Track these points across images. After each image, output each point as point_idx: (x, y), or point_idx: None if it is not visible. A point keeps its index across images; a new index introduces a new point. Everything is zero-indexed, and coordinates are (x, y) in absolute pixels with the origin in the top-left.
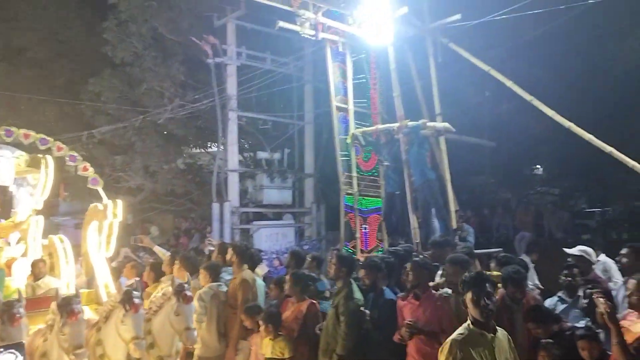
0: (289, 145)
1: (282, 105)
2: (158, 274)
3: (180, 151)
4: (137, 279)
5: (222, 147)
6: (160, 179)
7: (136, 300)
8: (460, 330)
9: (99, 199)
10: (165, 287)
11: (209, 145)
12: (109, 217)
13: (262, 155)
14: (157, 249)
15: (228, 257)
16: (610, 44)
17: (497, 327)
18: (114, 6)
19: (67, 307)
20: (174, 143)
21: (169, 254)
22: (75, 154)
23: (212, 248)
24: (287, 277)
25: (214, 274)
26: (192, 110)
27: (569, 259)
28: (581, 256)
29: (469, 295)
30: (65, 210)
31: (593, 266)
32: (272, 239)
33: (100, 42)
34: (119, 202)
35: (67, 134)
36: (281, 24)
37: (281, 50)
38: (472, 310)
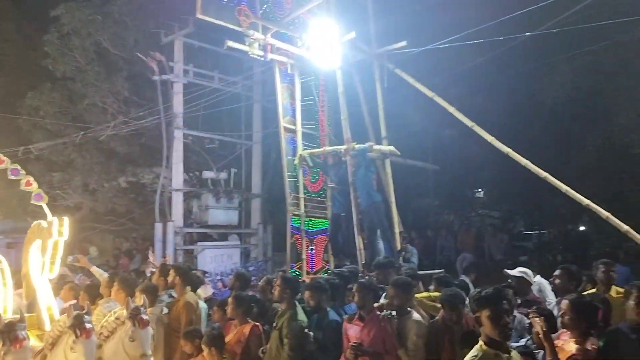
0: (236, 165)
1: (230, 124)
2: (93, 296)
3: (122, 169)
4: (74, 301)
5: (166, 166)
6: (100, 197)
7: (88, 325)
8: (473, 352)
9: (34, 216)
10: (119, 310)
11: (153, 163)
12: (54, 235)
13: (208, 174)
14: (95, 270)
15: (170, 279)
16: (545, 75)
17: (510, 348)
18: (57, 19)
19: (11, 333)
20: (116, 160)
21: (106, 275)
22: (18, 167)
23: (153, 269)
24: (230, 299)
25: (152, 297)
26: (136, 127)
27: (509, 280)
28: (521, 277)
29: (485, 313)
30: None
31: (531, 287)
32: (217, 260)
33: (41, 55)
34: (66, 220)
35: (1, 149)
36: (230, 43)
37: (229, 69)
38: (488, 329)
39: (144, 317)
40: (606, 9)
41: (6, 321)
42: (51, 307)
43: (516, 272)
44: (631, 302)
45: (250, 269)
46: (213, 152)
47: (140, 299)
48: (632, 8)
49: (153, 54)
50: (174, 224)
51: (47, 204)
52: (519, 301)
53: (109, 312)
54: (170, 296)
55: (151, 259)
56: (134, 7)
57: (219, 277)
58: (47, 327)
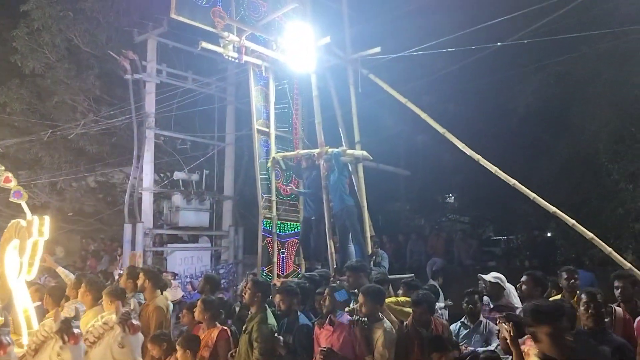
0: (208, 167)
1: (202, 125)
2: (57, 298)
3: (91, 168)
4: (39, 302)
5: (137, 166)
6: (68, 196)
7: (76, 331)
8: None
9: (10, 213)
10: (106, 315)
11: (123, 163)
12: (34, 234)
13: (180, 175)
14: (61, 271)
15: (140, 282)
16: (515, 84)
17: None
18: (26, 14)
19: None
20: (85, 160)
21: (72, 276)
22: None
23: (120, 272)
24: (198, 303)
25: (120, 299)
26: (107, 126)
27: (481, 283)
28: (496, 282)
29: (544, 330)
30: None
31: (505, 292)
32: (187, 262)
33: (9, 50)
34: (46, 219)
35: None
36: (204, 44)
37: (203, 70)
38: (547, 347)
39: (135, 322)
40: (575, 21)
41: None
42: (28, 311)
43: (490, 277)
44: (581, 308)
45: (221, 271)
46: (185, 152)
47: (108, 303)
48: (599, 21)
49: (125, 53)
50: (143, 225)
51: (13, 203)
52: (490, 306)
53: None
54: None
55: (138, 262)
56: (107, 5)
57: (188, 280)
58: (24, 331)
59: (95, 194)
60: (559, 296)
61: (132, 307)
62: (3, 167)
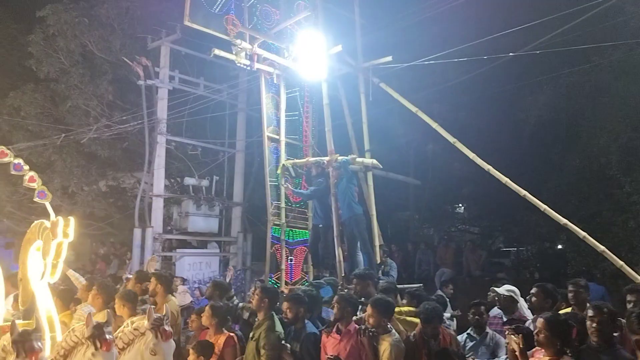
0: (218, 173)
1: (213, 131)
2: (66, 301)
3: (103, 173)
4: None
5: (147, 171)
6: (79, 200)
7: (108, 337)
8: None
9: (22, 215)
10: (137, 320)
11: (134, 168)
12: (58, 236)
13: (190, 181)
14: (71, 274)
15: (152, 286)
16: (527, 95)
17: None
18: (42, 19)
19: (26, 343)
20: (97, 164)
21: (82, 279)
22: (22, 162)
23: (128, 276)
24: (206, 309)
25: (132, 305)
26: (119, 131)
27: (493, 295)
28: (509, 296)
29: None
30: None
31: (519, 304)
32: (196, 267)
33: (25, 55)
34: (72, 220)
35: None
36: (216, 51)
37: (215, 76)
38: None
39: (168, 328)
40: (587, 33)
41: (21, 330)
42: (51, 315)
43: (504, 290)
44: (588, 322)
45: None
46: (195, 159)
47: (120, 307)
48: (611, 33)
49: (139, 59)
50: (153, 230)
51: (25, 206)
52: (503, 319)
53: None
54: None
55: (152, 266)
56: (122, 11)
57: (196, 285)
58: (47, 335)
59: (106, 198)
60: (569, 309)
61: (164, 313)
62: (27, 167)
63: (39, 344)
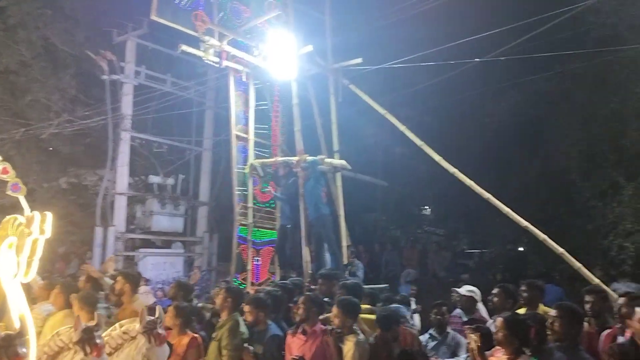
0: (184, 171)
1: (180, 129)
2: None
3: (64, 169)
4: None
5: (111, 168)
6: (38, 197)
7: (99, 341)
8: None
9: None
10: (126, 323)
11: (97, 165)
12: (34, 232)
13: (155, 179)
14: None
15: (119, 286)
16: (492, 101)
17: None
18: (2, 10)
19: (9, 348)
20: (58, 160)
21: (39, 278)
22: None
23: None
24: (170, 309)
25: (91, 307)
26: (82, 127)
27: (455, 296)
28: (470, 296)
29: None
30: None
31: (477, 306)
32: (159, 267)
33: None
34: (49, 215)
35: None
36: (184, 47)
37: (183, 73)
38: None
39: (161, 332)
40: (550, 41)
41: (3, 334)
42: (24, 316)
43: (464, 290)
44: (550, 322)
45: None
46: (161, 156)
47: (77, 308)
48: (572, 42)
49: (103, 53)
50: (115, 229)
51: None
52: (463, 319)
53: (45, 315)
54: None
55: (110, 266)
56: (86, 4)
57: (160, 286)
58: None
59: (66, 196)
60: (523, 309)
61: (157, 315)
62: (1, 157)
63: (24, 349)
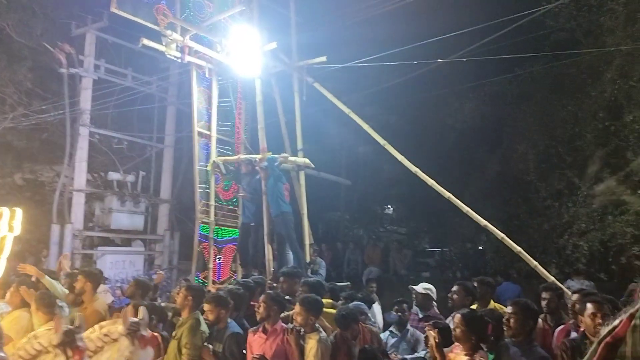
0: (145, 168)
1: (141, 125)
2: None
3: (19, 165)
4: None
5: (68, 164)
6: None
7: (80, 344)
8: None
9: None
10: (107, 325)
11: (54, 161)
12: (1, 229)
13: (114, 176)
14: None
15: (80, 285)
16: (454, 101)
17: None
18: None
19: None
20: (13, 155)
21: None
22: None
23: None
24: (128, 307)
25: (49, 309)
26: (38, 121)
27: (414, 295)
28: (426, 293)
29: None
30: None
31: (433, 303)
32: (119, 266)
33: None
34: (19, 212)
35: None
36: (145, 42)
37: (144, 68)
38: None
39: (145, 333)
40: (510, 44)
41: None
42: None
43: (421, 288)
44: (505, 318)
45: (154, 276)
46: (121, 152)
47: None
48: (532, 45)
49: (61, 45)
50: (73, 226)
51: None
52: (420, 316)
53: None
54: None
55: (65, 264)
56: None
57: (118, 284)
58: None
59: (21, 192)
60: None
61: (141, 316)
62: None
63: (2, 354)
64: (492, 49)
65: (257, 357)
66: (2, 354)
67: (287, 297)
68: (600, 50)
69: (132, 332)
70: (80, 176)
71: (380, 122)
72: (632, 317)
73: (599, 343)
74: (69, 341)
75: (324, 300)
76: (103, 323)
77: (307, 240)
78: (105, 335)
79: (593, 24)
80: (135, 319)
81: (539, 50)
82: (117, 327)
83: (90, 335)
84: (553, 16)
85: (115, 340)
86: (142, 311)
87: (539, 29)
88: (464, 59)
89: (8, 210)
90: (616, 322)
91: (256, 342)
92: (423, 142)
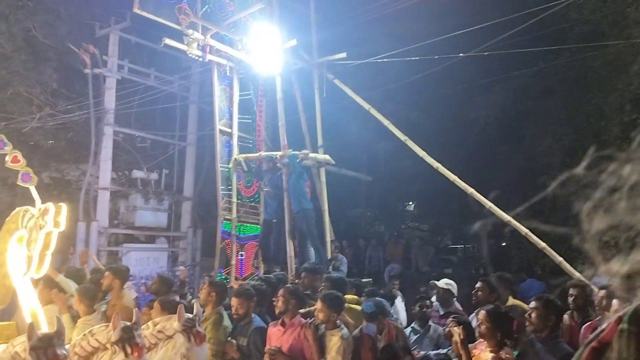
0: (168, 166)
1: (164, 124)
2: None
3: (46, 164)
4: None
5: (93, 163)
6: (19, 192)
7: (139, 341)
8: None
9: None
10: (161, 321)
11: (79, 160)
12: (48, 225)
13: (138, 174)
14: None
15: (107, 281)
16: (477, 96)
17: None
18: None
19: (48, 349)
20: (40, 155)
21: None
22: (4, 138)
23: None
24: (155, 304)
25: (90, 302)
26: (63, 121)
27: (435, 290)
28: (448, 289)
29: None
30: None
31: (454, 299)
32: (143, 262)
33: None
34: (63, 207)
35: None
36: (167, 41)
37: (166, 67)
38: None
39: (201, 330)
40: (534, 37)
41: (40, 334)
42: (36, 314)
43: (443, 283)
44: (529, 314)
45: (177, 273)
46: (144, 151)
47: (77, 302)
48: (556, 39)
49: (86, 46)
50: (98, 224)
51: None
52: (441, 312)
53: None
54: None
55: (93, 259)
56: None
57: (143, 281)
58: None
59: (49, 190)
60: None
61: (195, 312)
62: (11, 146)
63: (64, 350)
64: (515, 43)
65: (272, 349)
66: (64, 351)
67: (307, 292)
68: (626, 42)
69: (188, 328)
70: (105, 174)
71: (401, 118)
72: (620, 320)
73: (585, 346)
74: (127, 337)
75: (348, 296)
76: (156, 319)
77: (328, 236)
78: (160, 331)
79: (618, 15)
80: (191, 316)
81: (563, 43)
82: (172, 323)
83: (146, 332)
84: (577, 8)
85: (169, 337)
86: (196, 307)
87: (563, 22)
88: (486, 53)
89: (53, 206)
90: (604, 325)
91: (274, 334)
92: (444, 137)
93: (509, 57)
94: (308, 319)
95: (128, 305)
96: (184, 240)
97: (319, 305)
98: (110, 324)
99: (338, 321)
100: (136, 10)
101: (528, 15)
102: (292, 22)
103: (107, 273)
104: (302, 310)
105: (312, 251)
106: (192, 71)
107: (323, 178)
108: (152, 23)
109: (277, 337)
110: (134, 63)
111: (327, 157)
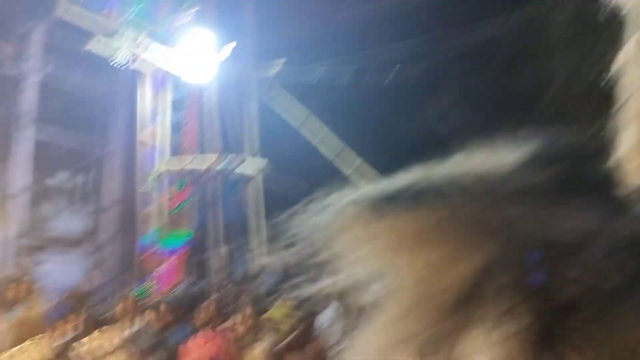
0: (91, 172)
1: (88, 127)
2: None
3: None
4: None
5: (10, 167)
6: None
7: None
8: None
9: None
10: None
11: None
12: None
13: (57, 180)
14: None
15: (16, 292)
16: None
17: None
18: None
19: None
20: None
21: None
22: None
23: None
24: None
25: None
26: None
27: None
28: None
29: None
30: None
31: None
32: (59, 273)
33: None
34: None
35: None
36: (92, 46)
37: (93, 69)
38: None
39: None
40: None
41: None
42: None
43: None
44: None
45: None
46: (66, 155)
47: None
48: None
49: (5, 44)
50: (12, 232)
51: None
52: None
53: None
54: None
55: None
56: None
57: (58, 292)
58: None
59: None
60: None
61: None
62: None
63: None
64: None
65: None
66: None
67: (231, 304)
68: None
69: None
70: (22, 179)
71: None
72: None
73: None
74: None
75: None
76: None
77: (259, 245)
78: None
79: None
80: None
81: None
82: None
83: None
84: None
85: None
86: None
87: None
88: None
89: None
90: None
91: (196, 346)
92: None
93: None
94: (230, 330)
95: (37, 317)
96: (104, 250)
97: (241, 315)
98: None
99: (261, 332)
100: (59, 14)
101: None
102: (230, 27)
103: (16, 283)
104: (224, 323)
105: (240, 261)
106: (119, 74)
107: (260, 185)
108: (80, 21)
109: (199, 348)
110: (58, 63)
111: (263, 163)
